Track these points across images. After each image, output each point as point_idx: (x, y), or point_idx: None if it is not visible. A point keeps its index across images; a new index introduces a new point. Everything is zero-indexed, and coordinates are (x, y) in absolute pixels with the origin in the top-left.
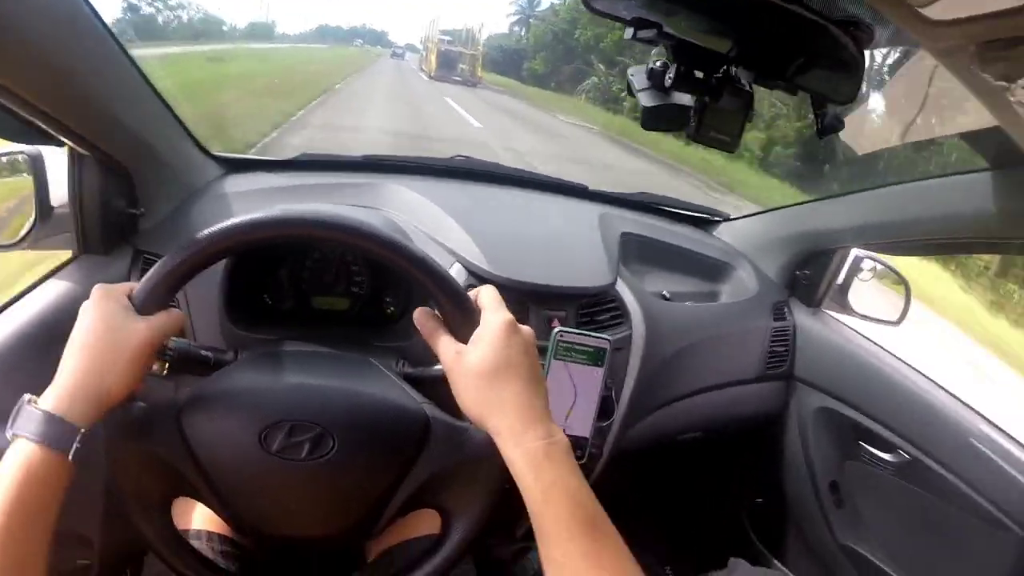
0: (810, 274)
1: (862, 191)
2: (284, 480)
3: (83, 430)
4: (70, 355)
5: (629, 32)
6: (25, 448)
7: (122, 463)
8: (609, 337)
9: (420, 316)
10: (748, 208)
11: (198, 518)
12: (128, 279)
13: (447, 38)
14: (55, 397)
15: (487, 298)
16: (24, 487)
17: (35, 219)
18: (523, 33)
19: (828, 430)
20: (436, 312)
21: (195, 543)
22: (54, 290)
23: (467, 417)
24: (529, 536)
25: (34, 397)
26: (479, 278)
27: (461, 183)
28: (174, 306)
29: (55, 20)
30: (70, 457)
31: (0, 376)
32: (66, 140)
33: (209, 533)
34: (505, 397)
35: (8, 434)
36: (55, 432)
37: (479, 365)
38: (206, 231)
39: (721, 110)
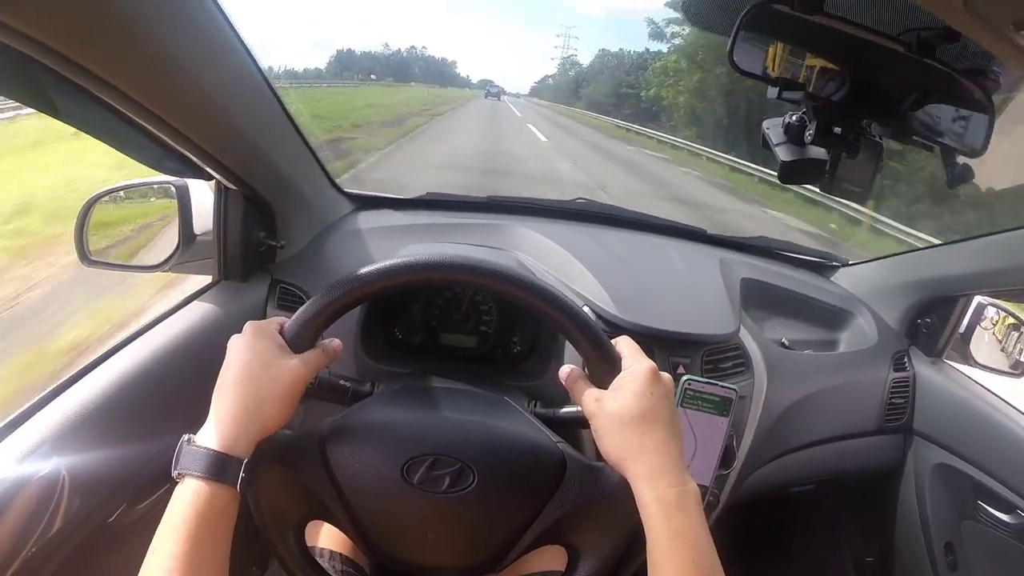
0: (931, 322)
1: (986, 235)
2: (423, 511)
3: (246, 460)
4: (227, 389)
5: (774, 92)
6: (195, 486)
7: (264, 485)
8: (735, 387)
9: (564, 369)
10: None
11: (323, 537)
12: (265, 306)
13: None
14: (217, 433)
15: (627, 346)
16: (202, 522)
17: (178, 244)
18: None
19: (946, 488)
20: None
21: (318, 560)
22: (198, 312)
23: (605, 459)
24: None
25: (192, 436)
26: (608, 323)
27: (582, 225)
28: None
29: (218, 66)
30: (238, 488)
31: (148, 388)
32: (216, 175)
33: (332, 552)
34: (645, 443)
35: (174, 473)
36: (222, 467)
37: (622, 411)
38: (358, 272)
39: (855, 163)
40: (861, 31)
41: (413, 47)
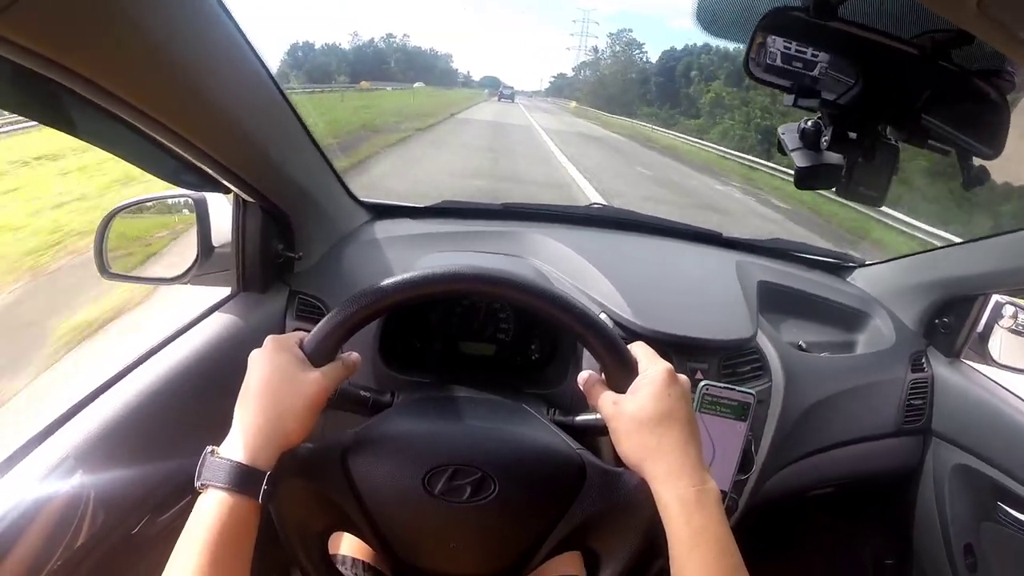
0: (949, 322)
1: (1003, 234)
2: (445, 521)
3: (268, 473)
4: (249, 403)
5: (789, 99)
6: (218, 497)
7: (287, 498)
8: (753, 391)
9: (583, 375)
10: None
11: (345, 545)
12: (284, 317)
13: None
14: (241, 446)
15: (642, 350)
16: (224, 533)
17: (197, 256)
18: None
19: (965, 489)
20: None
21: (340, 568)
22: (217, 324)
23: (624, 462)
24: None
25: (216, 448)
26: (625, 329)
27: (598, 231)
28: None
29: (233, 79)
30: (260, 500)
31: (170, 400)
32: (234, 188)
33: (354, 560)
34: (664, 443)
35: (197, 484)
36: (245, 479)
37: (640, 413)
38: (376, 286)
39: (871, 167)
40: (875, 35)
41: (391, 35)
